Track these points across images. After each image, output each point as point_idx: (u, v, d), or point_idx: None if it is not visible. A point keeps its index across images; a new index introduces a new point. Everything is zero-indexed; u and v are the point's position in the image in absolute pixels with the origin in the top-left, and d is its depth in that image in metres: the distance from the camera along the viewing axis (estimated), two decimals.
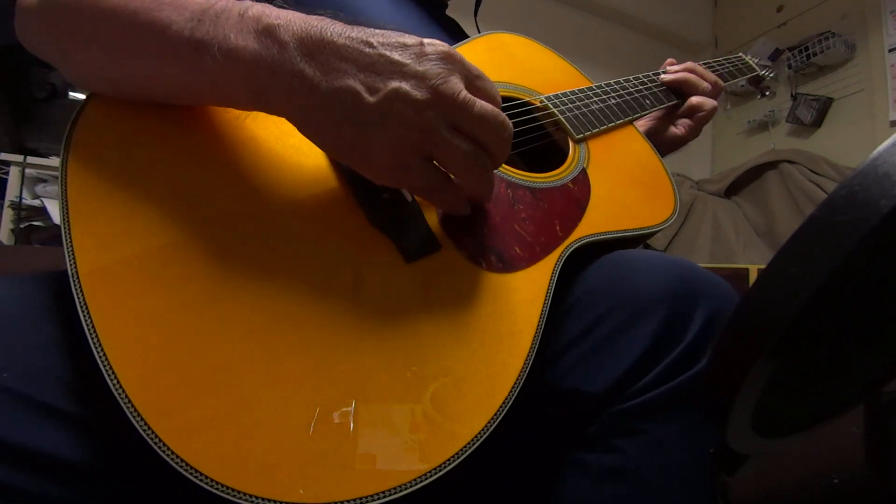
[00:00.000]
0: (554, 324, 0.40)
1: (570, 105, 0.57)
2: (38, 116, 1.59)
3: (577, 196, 0.49)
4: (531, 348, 0.36)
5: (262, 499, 0.26)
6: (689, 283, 0.38)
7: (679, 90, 0.69)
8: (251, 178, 0.37)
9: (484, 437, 0.32)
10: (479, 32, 0.61)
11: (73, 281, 0.29)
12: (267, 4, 0.34)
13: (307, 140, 0.35)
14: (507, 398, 0.34)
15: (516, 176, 0.47)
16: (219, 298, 0.31)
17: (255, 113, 0.37)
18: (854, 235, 0.18)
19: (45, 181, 1.58)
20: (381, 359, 0.32)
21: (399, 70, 0.32)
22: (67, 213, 0.31)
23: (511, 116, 0.52)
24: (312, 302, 0.33)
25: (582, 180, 0.51)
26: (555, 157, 0.53)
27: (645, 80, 0.68)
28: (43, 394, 0.29)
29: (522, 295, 0.39)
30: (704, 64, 0.75)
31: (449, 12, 0.71)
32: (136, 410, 0.26)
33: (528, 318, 0.38)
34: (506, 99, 0.54)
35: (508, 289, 0.39)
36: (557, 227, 0.45)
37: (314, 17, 0.33)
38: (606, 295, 0.39)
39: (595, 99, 0.60)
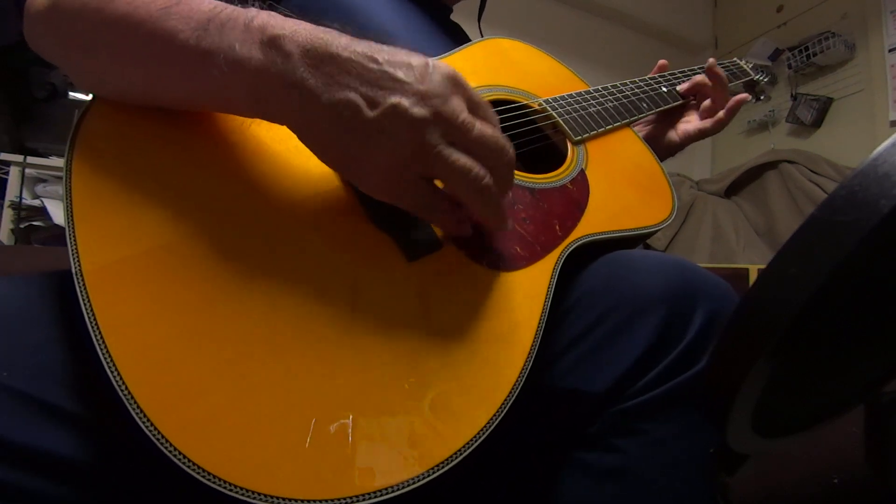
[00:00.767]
0: (554, 324, 0.40)
1: (568, 108, 0.58)
2: (38, 116, 1.59)
3: (576, 196, 0.49)
4: (532, 347, 0.37)
5: (264, 495, 0.26)
6: (688, 282, 0.38)
7: (701, 92, 0.71)
8: (254, 177, 0.37)
9: (484, 436, 0.32)
10: (482, 35, 0.61)
11: (77, 279, 0.29)
12: (272, 13, 0.34)
13: None
14: (507, 397, 0.34)
15: (516, 176, 0.47)
16: (222, 297, 0.31)
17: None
18: (854, 235, 0.18)
19: (45, 181, 1.57)
20: (382, 357, 0.33)
21: (401, 87, 0.32)
22: (71, 211, 0.31)
23: (510, 119, 0.53)
24: (314, 299, 0.33)
25: (581, 181, 0.51)
26: (553, 159, 0.53)
27: (641, 83, 0.69)
28: (44, 393, 0.29)
29: (523, 293, 0.39)
30: (699, 68, 0.76)
31: (452, 16, 0.71)
32: (139, 407, 0.27)
33: (528, 316, 0.38)
34: (505, 102, 0.54)
35: (509, 287, 0.39)
36: (557, 227, 0.45)
37: (321, 28, 0.33)
38: (606, 295, 0.39)
39: (592, 102, 0.60)
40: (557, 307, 0.40)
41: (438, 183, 0.37)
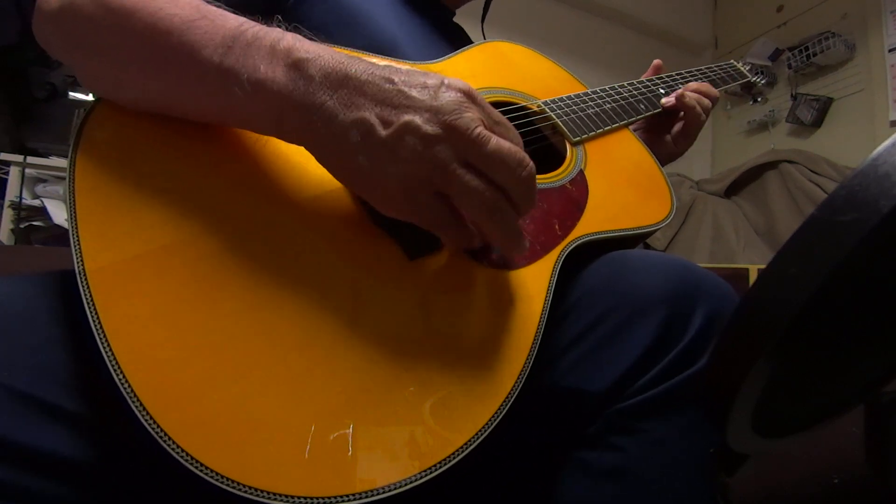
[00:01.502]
0: (554, 323, 0.40)
1: (567, 109, 0.58)
2: (38, 116, 1.59)
3: (575, 197, 0.49)
4: (532, 346, 0.37)
5: (265, 491, 0.27)
6: (688, 282, 0.38)
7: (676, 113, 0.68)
8: (256, 178, 0.37)
9: (484, 435, 0.32)
10: (485, 36, 0.62)
11: (80, 278, 0.29)
12: (297, 36, 0.35)
13: None
14: (507, 396, 0.34)
15: None
16: (224, 297, 0.31)
17: None
18: (854, 235, 0.18)
19: (45, 181, 1.58)
20: (383, 356, 0.33)
21: (414, 105, 0.32)
22: (74, 210, 0.31)
23: (509, 120, 0.53)
24: (315, 299, 0.33)
25: (580, 181, 0.51)
26: (553, 159, 0.54)
27: (639, 85, 0.69)
28: (44, 393, 0.29)
29: (524, 292, 0.39)
30: (696, 70, 0.76)
31: (456, 19, 0.72)
32: (142, 405, 0.27)
33: (529, 316, 0.38)
34: (504, 104, 0.55)
35: (509, 286, 0.39)
36: (557, 227, 0.45)
37: (343, 54, 0.34)
38: (606, 294, 0.39)
39: (591, 103, 0.61)
40: (557, 307, 0.41)
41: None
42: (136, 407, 0.27)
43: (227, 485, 0.26)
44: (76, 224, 0.31)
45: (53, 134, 1.59)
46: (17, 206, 1.51)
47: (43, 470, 0.28)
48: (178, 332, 0.29)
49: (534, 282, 0.40)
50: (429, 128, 0.32)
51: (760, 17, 2.73)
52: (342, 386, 0.31)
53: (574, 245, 0.44)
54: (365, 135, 0.32)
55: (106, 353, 0.27)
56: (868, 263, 0.19)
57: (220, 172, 0.36)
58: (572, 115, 0.58)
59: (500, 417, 0.33)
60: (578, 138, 0.56)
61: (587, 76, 0.67)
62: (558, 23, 2.68)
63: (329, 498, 0.27)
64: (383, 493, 0.28)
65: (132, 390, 0.27)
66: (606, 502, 0.35)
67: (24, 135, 1.60)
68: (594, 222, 0.47)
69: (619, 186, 0.54)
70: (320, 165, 0.35)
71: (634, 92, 0.67)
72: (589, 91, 0.63)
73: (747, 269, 1.80)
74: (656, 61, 0.74)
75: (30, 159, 1.53)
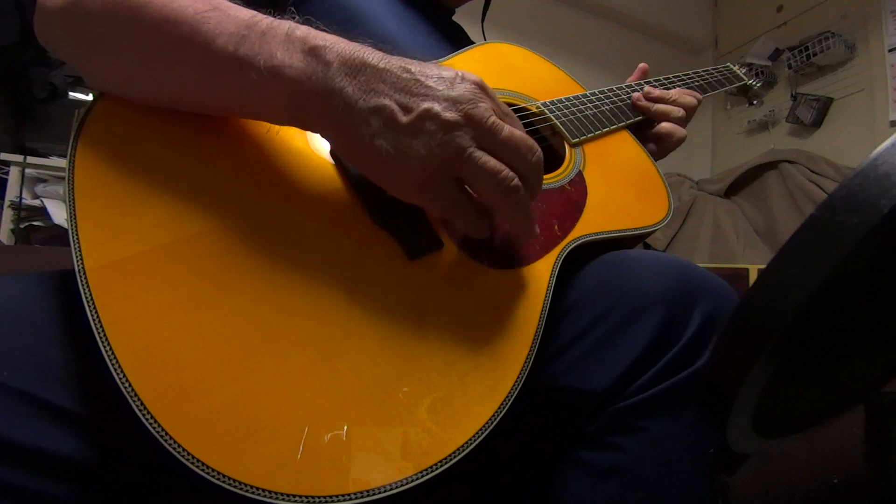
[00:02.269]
0: (553, 323, 0.40)
1: (566, 111, 0.58)
2: (38, 116, 1.59)
3: (574, 197, 0.49)
4: (532, 346, 0.37)
5: (265, 490, 0.27)
6: (688, 281, 0.38)
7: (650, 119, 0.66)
8: (256, 177, 0.37)
9: (485, 434, 0.32)
10: (485, 36, 0.62)
11: (80, 276, 0.29)
12: (309, 27, 0.35)
13: (311, 142, 0.35)
14: (507, 396, 0.34)
15: None
16: (223, 296, 0.31)
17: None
18: (854, 235, 0.18)
19: (45, 181, 1.58)
20: (384, 355, 0.33)
21: (433, 93, 0.34)
22: (74, 209, 0.32)
23: None
24: (316, 298, 0.33)
25: (579, 182, 0.51)
26: (552, 160, 0.54)
27: (637, 87, 0.69)
28: (44, 392, 0.29)
29: (523, 292, 0.39)
30: (694, 72, 0.76)
31: (455, 18, 0.72)
32: (142, 404, 0.27)
33: (529, 315, 0.38)
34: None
35: (509, 286, 0.39)
36: (556, 227, 0.45)
37: (356, 43, 0.35)
38: (605, 294, 0.39)
39: (589, 105, 0.61)
40: (557, 307, 0.41)
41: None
42: (137, 405, 0.27)
43: (227, 483, 0.26)
44: (76, 222, 0.31)
45: (53, 134, 1.59)
46: (17, 206, 1.52)
47: (43, 470, 0.28)
48: (178, 330, 0.29)
49: (533, 282, 0.40)
50: (448, 115, 0.33)
51: (760, 17, 2.72)
52: (343, 385, 0.31)
53: (573, 245, 0.44)
54: (387, 121, 0.33)
55: (106, 351, 0.28)
56: (868, 263, 0.19)
57: (219, 172, 0.36)
58: (571, 117, 0.58)
59: (500, 417, 0.33)
60: (577, 140, 0.56)
61: (587, 76, 0.66)
62: (558, 23, 2.68)
63: (329, 497, 0.27)
64: (383, 492, 0.28)
65: (132, 389, 0.27)
66: (606, 501, 0.35)
67: (24, 135, 1.60)
68: (593, 223, 0.48)
69: (618, 187, 0.54)
70: (320, 166, 0.35)
71: (632, 93, 0.67)
72: (587, 93, 0.63)
73: (747, 269, 1.79)
74: (642, 65, 0.74)
75: (30, 159, 1.53)
